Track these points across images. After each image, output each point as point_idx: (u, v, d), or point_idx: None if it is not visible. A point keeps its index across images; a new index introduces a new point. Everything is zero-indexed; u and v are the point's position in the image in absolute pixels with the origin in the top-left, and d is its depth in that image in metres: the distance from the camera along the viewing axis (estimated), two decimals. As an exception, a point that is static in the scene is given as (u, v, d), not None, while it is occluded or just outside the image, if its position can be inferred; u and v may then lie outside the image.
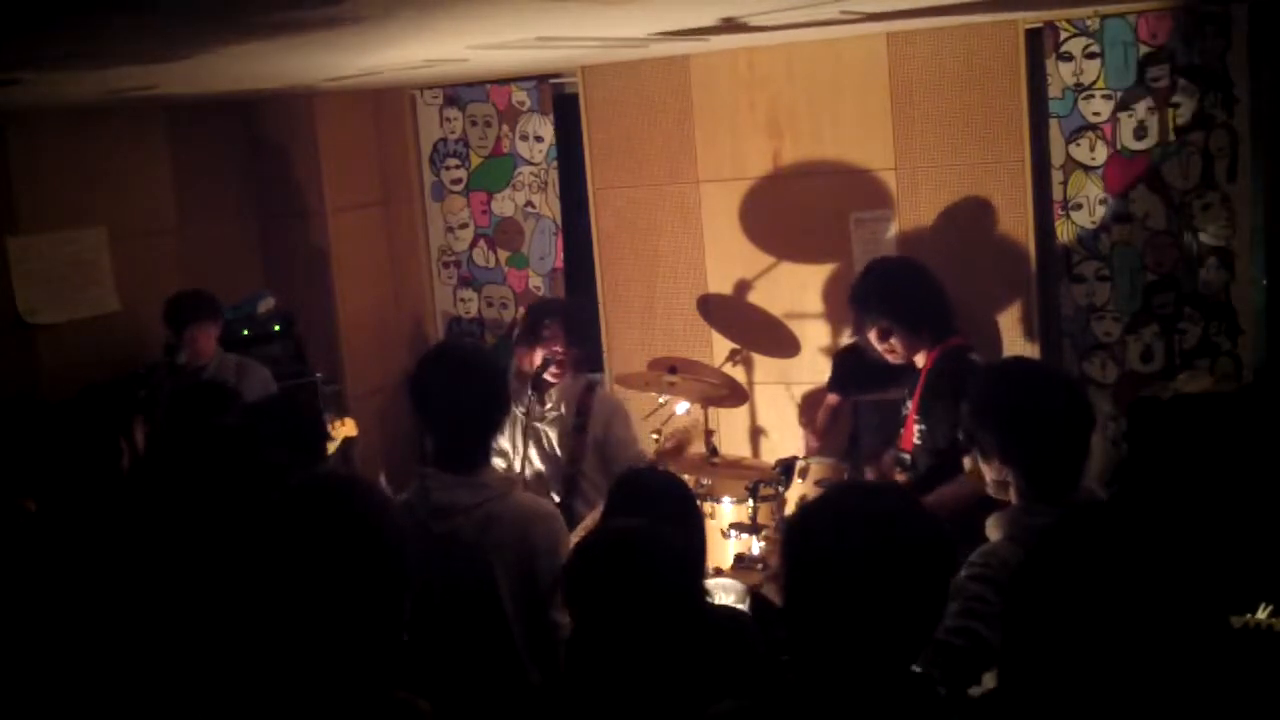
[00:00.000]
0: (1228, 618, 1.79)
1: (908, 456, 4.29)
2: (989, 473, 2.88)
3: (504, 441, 4.69)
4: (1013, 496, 2.80)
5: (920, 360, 4.29)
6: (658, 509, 2.88)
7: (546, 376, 4.60)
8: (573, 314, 4.84)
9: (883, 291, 4.30)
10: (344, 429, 4.96)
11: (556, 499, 4.53)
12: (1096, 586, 1.66)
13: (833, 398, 5.28)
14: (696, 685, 2.52)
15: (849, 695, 1.88)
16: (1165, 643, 1.61)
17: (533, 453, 4.69)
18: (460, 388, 3.17)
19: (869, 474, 4.66)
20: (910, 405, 4.30)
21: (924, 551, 1.92)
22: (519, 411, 4.58)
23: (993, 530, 2.78)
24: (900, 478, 4.28)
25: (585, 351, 4.80)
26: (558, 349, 4.61)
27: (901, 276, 4.40)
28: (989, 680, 2.69)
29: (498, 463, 4.61)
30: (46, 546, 3.09)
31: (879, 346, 4.31)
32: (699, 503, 3.48)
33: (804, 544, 1.97)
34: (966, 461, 3.01)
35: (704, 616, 2.85)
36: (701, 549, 2.99)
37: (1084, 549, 1.71)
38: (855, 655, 1.88)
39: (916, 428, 4.24)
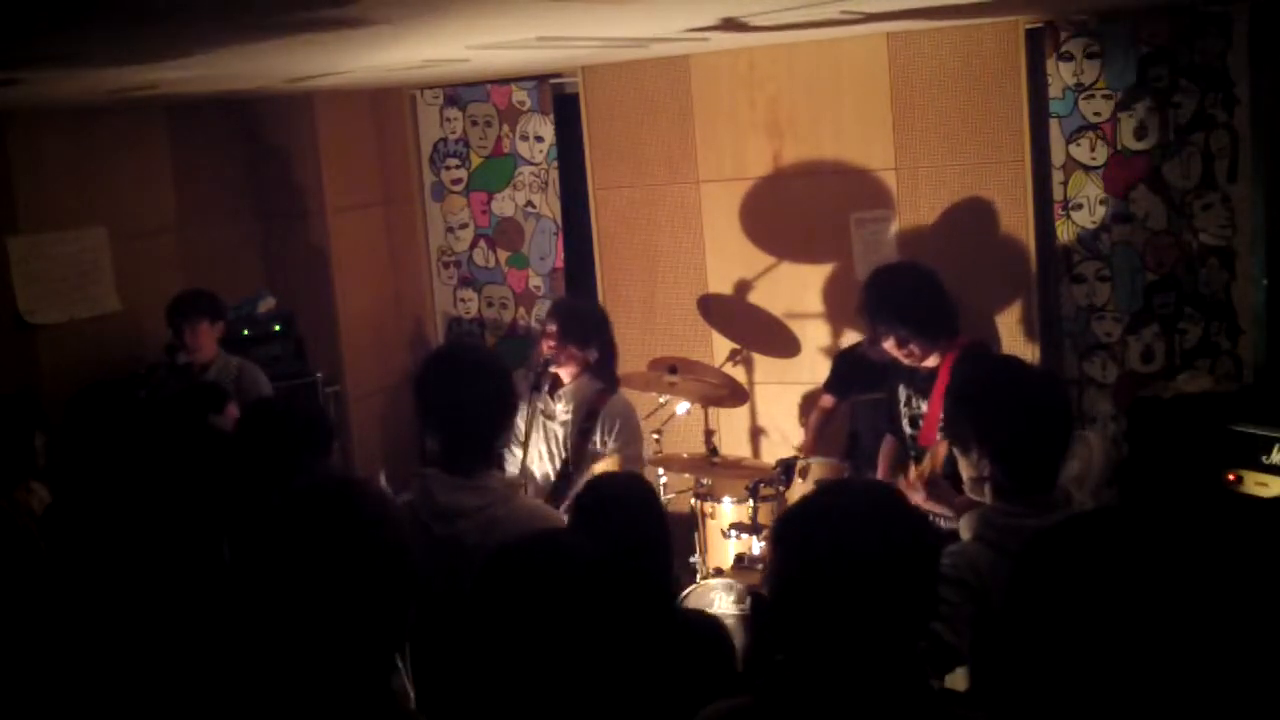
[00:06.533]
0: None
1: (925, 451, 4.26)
2: (966, 469, 2.86)
3: (518, 433, 4.68)
4: (987, 494, 2.79)
5: (933, 360, 4.24)
6: (619, 514, 2.86)
7: (555, 371, 4.59)
8: (567, 310, 4.81)
9: (894, 302, 4.19)
10: None
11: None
12: (1101, 594, 1.65)
13: (827, 400, 5.27)
14: (667, 689, 2.50)
15: (843, 691, 1.88)
16: (1190, 653, 1.61)
17: (541, 449, 4.68)
18: (465, 390, 3.13)
19: (881, 463, 4.60)
20: (926, 403, 4.26)
21: (912, 546, 1.93)
22: (539, 407, 4.57)
23: (964, 530, 2.77)
24: (914, 473, 4.26)
25: (586, 350, 4.72)
26: (552, 344, 4.62)
27: (910, 284, 4.27)
28: (957, 681, 2.69)
29: (509, 457, 4.60)
30: (56, 545, 3.09)
31: (897, 353, 4.21)
32: (665, 507, 3.43)
33: (792, 542, 1.97)
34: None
35: (673, 621, 2.83)
36: (666, 556, 2.94)
37: (1081, 554, 1.71)
38: (847, 651, 1.88)
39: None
